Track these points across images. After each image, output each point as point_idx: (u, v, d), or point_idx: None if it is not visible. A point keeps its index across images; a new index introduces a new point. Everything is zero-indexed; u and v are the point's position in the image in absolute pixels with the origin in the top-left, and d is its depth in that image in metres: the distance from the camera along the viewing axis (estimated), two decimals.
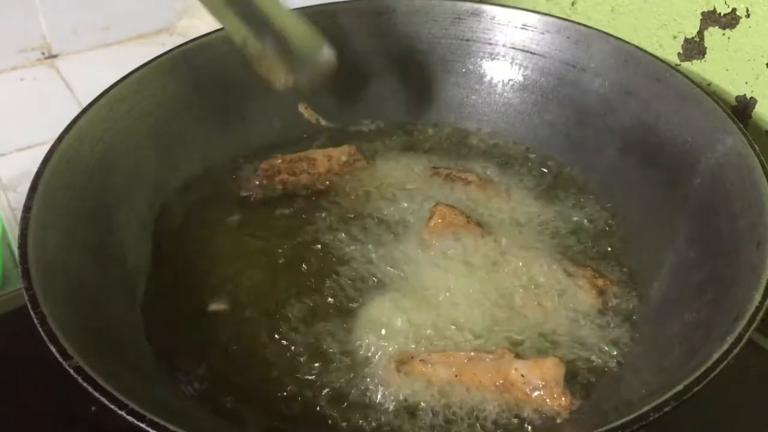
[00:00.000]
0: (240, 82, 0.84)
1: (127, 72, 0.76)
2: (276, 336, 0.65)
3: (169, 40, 1.20)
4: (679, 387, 0.47)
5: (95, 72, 0.80)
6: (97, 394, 0.48)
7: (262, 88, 0.84)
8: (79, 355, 0.50)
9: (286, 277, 0.70)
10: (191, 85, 0.81)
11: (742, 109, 0.78)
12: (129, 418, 0.47)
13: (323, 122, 0.89)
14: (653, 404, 0.47)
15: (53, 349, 0.50)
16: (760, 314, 0.52)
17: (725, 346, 0.50)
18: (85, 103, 0.72)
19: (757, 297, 0.52)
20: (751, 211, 0.61)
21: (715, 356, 0.49)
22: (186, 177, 0.79)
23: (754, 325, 0.51)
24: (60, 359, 0.50)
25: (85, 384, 0.49)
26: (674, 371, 0.53)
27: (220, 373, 0.62)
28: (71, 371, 0.49)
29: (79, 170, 0.68)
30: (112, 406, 0.47)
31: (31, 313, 0.53)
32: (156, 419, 0.47)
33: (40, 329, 0.52)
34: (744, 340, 0.50)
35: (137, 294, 0.67)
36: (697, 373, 0.48)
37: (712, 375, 0.48)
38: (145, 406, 0.48)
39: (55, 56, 1.15)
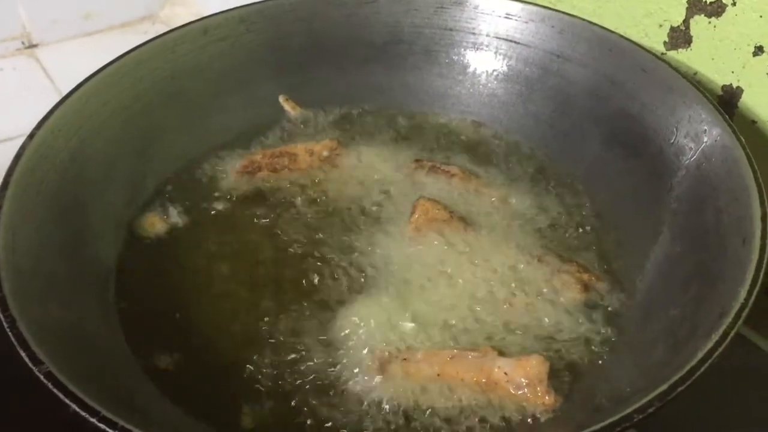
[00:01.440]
0: (218, 73, 0.83)
1: (106, 62, 0.74)
2: (255, 335, 0.64)
3: (151, 29, 1.18)
4: (664, 387, 0.47)
5: (76, 62, 0.79)
6: (68, 401, 0.47)
7: (241, 80, 0.84)
8: (50, 359, 0.49)
9: (266, 276, 0.69)
10: (168, 77, 0.79)
11: (728, 99, 0.77)
12: (101, 425, 0.45)
13: (304, 113, 0.87)
14: (637, 405, 0.46)
15: (23, 354, 0.49)
16: (746, 311, 0.51)
17: (710, 344, 0.49)
18: (65, 94, 0.70)
19: (743, 293, 0.52)
20: (738, 205, 0.60)
21: (700, 354, 0.48)
22: (164, 173, 0.78)
23: (740, 322, 0.50)
24: (30, 365, 0.49)
25: (55, 390, 0.47)
26: (659, 369, 0.52)
27: (198, 373, 0.61)
28: (41, 377, 0.48)
29: (52, 166, 0.66)
30: (84, 413, 0.46)
31: (0, 316, 0.51)
32: (129, 426, 0.45)
33: (9, 333, 0.50)
34: (729, 338, 0.49)
35: (112, 294, 0.66)
36: (682, 373, 0.47)
37: (696, 374, 0.47)
38: (118, 411, 0.47)
39: (35, 46, 1.14)
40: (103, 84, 0.73)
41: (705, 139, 0.67)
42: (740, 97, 0.76)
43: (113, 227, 0.71)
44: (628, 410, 0.46)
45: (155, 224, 0.72)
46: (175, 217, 0.74)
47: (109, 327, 0.63)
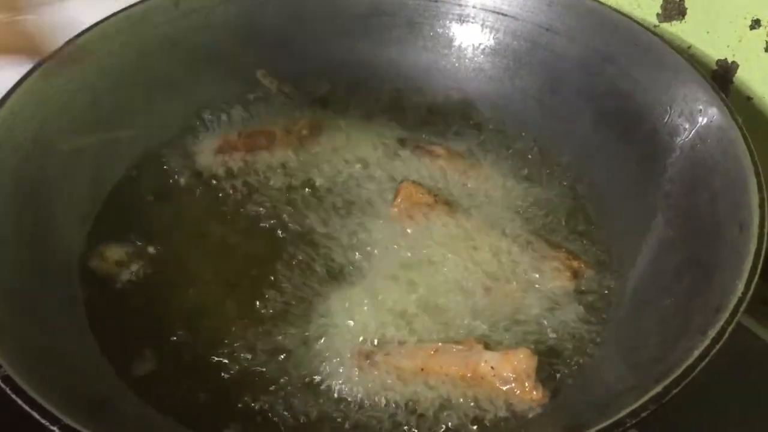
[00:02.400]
0: (192, 47, 0.78)
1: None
2: (232, 329, 0.61)
3: None
4: (658, 389, 0.44)
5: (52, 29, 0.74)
6: (27, 408, 0.44)
7: (216, 54, 0.80)
8: (10, 363, 0.46)
9: (242, 264, 0.66)
10: (137, 52, 0.75)
11: (722, 74, 0.74)
12: None
13: (283, 89, 0.83)
14: (630, 408, 0.44)
15: None
16: (744, 305, 0.49)
17: (706, 342, 0.47)
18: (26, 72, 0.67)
19: (740, 287, 0.49)
20: (734, 189, 0.58)
21: (696, 353, 0.46)
22: (134, 155, 0.74)
23: (738, 317, 0.48)
24: None
25: (14, 396, 0.45)
26: (651, 364, 0.50)
27: (172, 372, 0.59)
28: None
29: (13, 149, 0.63)
30: (44, 422, 0.43)
31: None
32: None
33: None
34: (727, 335, 0.47)
35: (80, 288, 0.63)
36: (677, 373, 0.45)
37: (692, 375, 0.45)
38: (83, 419, 0.44)
39: None
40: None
41: (700, 119, 0.64)
42: (735, 73, 0.73)
43: (80, 215, 0.67)
44: (622, 414, 0.43)
45: (117, 258, 0.66)
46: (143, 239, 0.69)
47: (77, 324, 0.60)
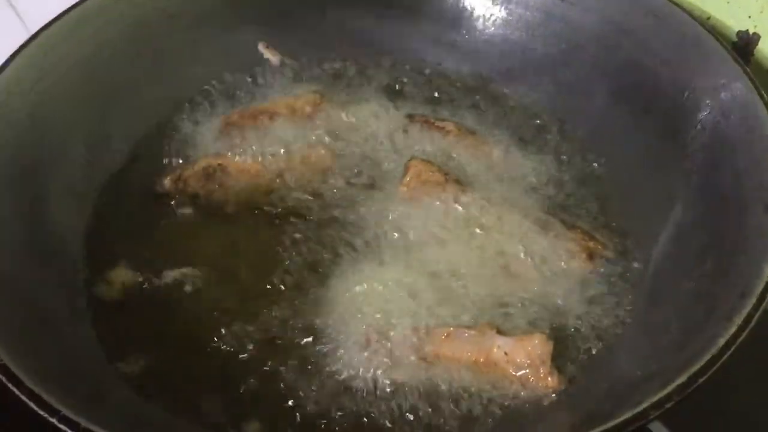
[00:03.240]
0: (192, 18, 0.76)
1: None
2: (237, 317, 0.59)
3: None
4: (682, 378, 0.43)
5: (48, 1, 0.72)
6: (24, 398, 0.43)
7: (216, 26, 0.77)
8: (7, 352, 0.45)
9: (247, 248, 0.64)
10: (135, 25, 0.73)
11: (743, 46, 0.72)
12: (61, 426, 0.42)
13: (287, 62, 0.81)
14: (653, 400, 0.42)
15: None
16: None
17: (732, 329, 0.45)
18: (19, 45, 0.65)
19: (767, 270, 0.47)
20: (759, 168, 0.56)
21: (722, 341, 0.44)
22: (132, 134, 0.72)
23: (765, 303, 0.46)
24: None
25: (10, 385, 0.43)
26: (673, 352, 0.49)
27: (173, 364, 0.57)
28: None
29: (9, 125, 0.61)
30: (42, 413, 0.42)
31: None
32: (91, 426, 0.41)
33: None
34: (753, 321, 0.45)
35: (79, 274, 0.61)
36: (702, 363, 0.43)
37: (718, 364, 0.43)
38: (80, 409, 0.42)
39: None
40: (63, 34, 0.67)
41: (723, 95, 0.62)
42: (756, 45, 0.71)
43: (78, 194, 0.65)
44: (644, 405, 0.42)
45: (123, 279, 0.63)
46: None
47: (76, 316, 0.58)
